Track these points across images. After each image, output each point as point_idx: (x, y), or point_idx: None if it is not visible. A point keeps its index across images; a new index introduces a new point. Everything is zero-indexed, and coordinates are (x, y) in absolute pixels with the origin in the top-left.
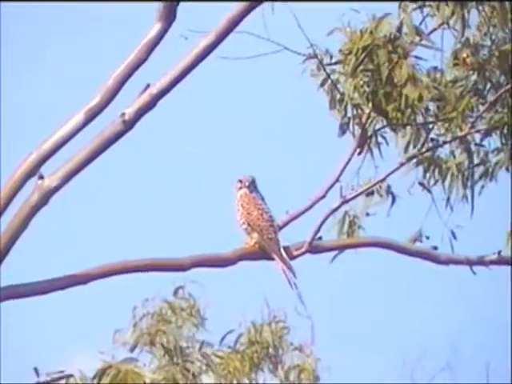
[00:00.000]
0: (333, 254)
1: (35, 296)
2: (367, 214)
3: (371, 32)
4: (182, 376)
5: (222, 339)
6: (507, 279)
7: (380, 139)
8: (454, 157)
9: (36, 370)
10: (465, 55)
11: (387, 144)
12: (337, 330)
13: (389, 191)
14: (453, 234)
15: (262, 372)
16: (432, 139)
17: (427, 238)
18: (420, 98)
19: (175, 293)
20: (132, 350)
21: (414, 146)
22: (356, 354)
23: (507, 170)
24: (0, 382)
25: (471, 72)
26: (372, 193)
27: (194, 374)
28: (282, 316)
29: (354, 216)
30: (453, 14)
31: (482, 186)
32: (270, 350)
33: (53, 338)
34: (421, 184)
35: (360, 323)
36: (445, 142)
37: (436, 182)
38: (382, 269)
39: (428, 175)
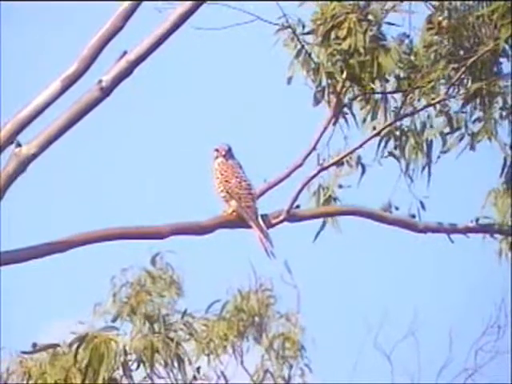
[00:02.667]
0: (309, 226)
1: (14, 264)
2: (340, 186)
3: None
4: (164, 344)
5: (209, 307)
6: (470, 243)
7: (354, 108)
8: (431, 126)
9: (35, 344)
10: (440, 18)
11: (356, 115)
12: (322, 299)
13: (359, 162)
14: (421, 204)
15: (247, 340)
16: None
17: (396, 208)
18: (389, 64)
19: (153, 261)
20: (114, 320)
21: (387, 116)
22: (339, 322)
23: (489, 139)
24: None
25: (445, 37)
26: (342, 163)
27: (177, 343)
28: (269, 285)
29: (326, 188)
30: None
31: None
32: (256, 318)
33: (31, 310)
34: (390, 154)
35: (342, 292)
36: (420, 109)
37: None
38: (356, 237)
39: (398, 144)
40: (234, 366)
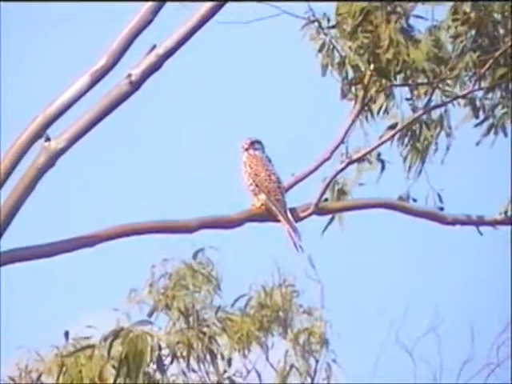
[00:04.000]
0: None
1: (43, 258)
2: (361, 184)
3: None
4: (198, 339)
5: (234, 303)
6: (491, 240)
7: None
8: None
9: (66, 333)
10: (468, 10)
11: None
12: (346, 293)
13: (379, 158)
14: (439, 196)
15: (272, 335)
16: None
17: (414, 200)
18: (417, 56)
19: (194, 256)
20: (150, 314)
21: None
22: (363, 317)
23: None
24: None
25: (471, 27)
26: (363, 159)
27: (210, 338)
28: (292, 279)
29: (342, 184)
30: None
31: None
32: (280, 313)
33: (69, 298)
34: (413, 146)
35: (365, 286)
36: (448, 101)
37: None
38: (379, 232)
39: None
40: (260, 361)
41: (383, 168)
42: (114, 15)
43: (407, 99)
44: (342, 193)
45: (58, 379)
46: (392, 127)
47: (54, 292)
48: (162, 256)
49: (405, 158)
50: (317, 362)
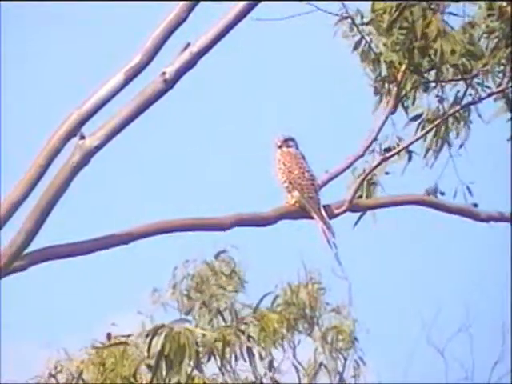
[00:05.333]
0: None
1: (78, 256)
2: (387, 173)
3: None
4: (236, 337)
5: (260, 301)
6: None
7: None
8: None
9: (109, 335)
10: (504, 4)
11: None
12: (374, 290)
13: (406, 149)
14: (468, 189)
15: (299, 333)
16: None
17: (442, 193)
18: (453, 52)
19: (217, 257)
20: (187, 313)
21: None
22: (392, 315)
23: None
24: None
25: (506, 23)
26: (389, 149)
27: (249, 336)
28: (319, 277)
29: (371, 174)
30: None
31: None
32: (307, 311)
33: (93, 300)
34: (444, 139)
35: (395, 284)
36: (484, 97)
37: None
38: (409, 229)
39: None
40: (286, 359)
41: (410, 159)
42: (148, 13)
43: (437, 96)
44: (371, 183)
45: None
46: (416, 118)
47: (77, 293)
48: (183, 256)
49: (428, 149)
50: (345, 360)
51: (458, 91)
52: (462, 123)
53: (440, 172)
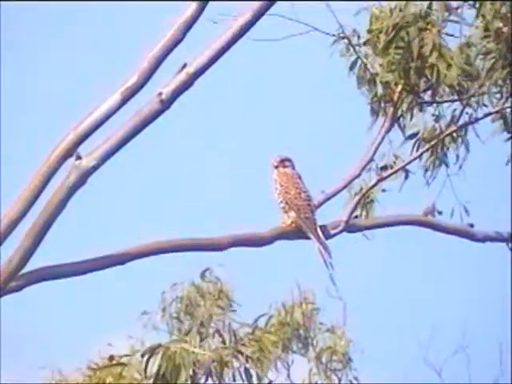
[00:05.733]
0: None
1: (75, 276)
2: (383, 191)
3: (400, 9)
4: (234, 358)
5: (255, 321)
6: None
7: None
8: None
9: (111, 357)
10: (500, 25)
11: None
12: (370, 310)
13: (403, 167)
14: (465, 209)
15: (293, 353)
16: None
17: (440, 213)
18: (449, 73)
19: (202, 276)
20: (187, 333)
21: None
22: (387, 335)
23: None
24: None
25: (502, 44)
26: (386, 168)
27: (247, 357)
28: (313, 297)
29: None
30: None
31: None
32: (301, 331)
33: (81, 324)
34: (440, 160)
35: (388, 303)
36: (480, 118)
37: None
38: (405, 249)
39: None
40: (280, 379)
41: (407, 177)
42: (145, 33)
43: (433, 115)
44: (368, 201)
45: None
46: (412, 137)
47: (70, 314)
48: (172, 278)
49: (427, 169)
50: (340, 380)
51: (455, 109)
52: (459, 143)
53: (438, 189)
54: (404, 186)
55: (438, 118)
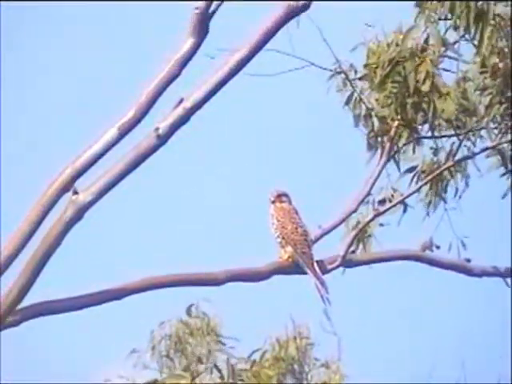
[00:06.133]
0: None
1: (72, 311)
2: (381, 225)
3: (397, 44)
4: None
5: (249, 357)
6: None
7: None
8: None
9: None
10: (496, 60)
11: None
12: (364, 345)
13: (402, 201)
14: (463, 243)
15: None
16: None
17: (437, 247)
18: (446, 108)
19: (188, 312)
20: (185, 369)
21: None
22: (383, 371)
23: None
24: None
25: (499, 79)
26: (384, 201)
27: None
28: (307, 331)
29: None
30: (471, 26)
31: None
32: (295, 366)
33: (70, 362)
34: (437, 194)
35: (384, 338)
36: (477, 153)
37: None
38: (402, 284)
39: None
40: None
41: (405, 211)
42: (141, 68)
43: (431, 148)
44: (365, 236)
45: None
46: (410, 170)
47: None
48: (159, 312)
49: (430, 202)
50: None
51: (454, 143)
52: (457, 177)
53: (436, 223)
54: (402, 219)
55: (436, 152)
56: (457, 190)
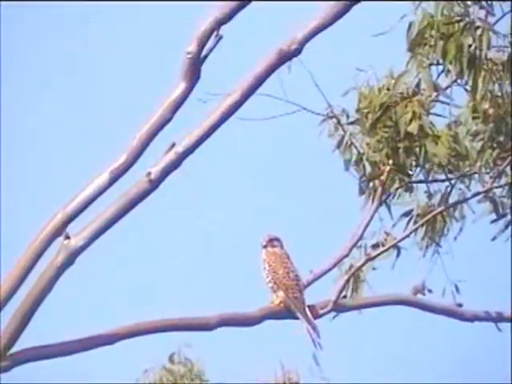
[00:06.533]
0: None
1: (63, 356)
2: (374, 269)
3: (388, 89)
4: None
5: None
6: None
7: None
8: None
9: None
10: (487, 106)
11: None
12: None
13: (395, 245)
14: (456, 287)
15: None
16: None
17: (430, 291)
18: (436, 148)
19: (170, 359)
20: None
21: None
22: None
23: None
24: None
25: (491, 125)
26: (377, 245)
27: None
28: (296, 377)
29: (359, 271)
30: (464, 71)
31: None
32: None
33: None
34: (431, 238)
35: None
36: (468, 198)
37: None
38: (391, 328)
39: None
40: None
41: (398, 254)
42: (133, 112)
43: (425, 192)
44: (358, 281)
45: None
46: (406, 214)
47: None
48: (142, 366)
49: (425, 248)
50: None
51: (448, 186)
52: (449, 223)
53: (428, 268)
54: (397, 263)
55: (431, 196)
56: (447, 233)
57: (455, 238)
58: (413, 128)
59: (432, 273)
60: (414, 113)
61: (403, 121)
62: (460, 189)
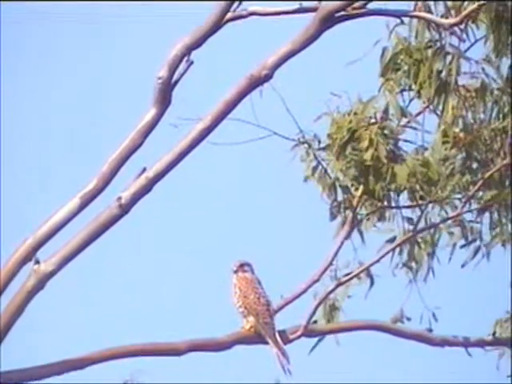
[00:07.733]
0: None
1: (32, 381)
2: (349, 296)
3: (356, 113)
4: None
5: None
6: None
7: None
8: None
9: None
10: (457, 131)
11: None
12: None
13: (368, 273)
14: (433, 315)
15: None
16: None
17: (408, 319)
18: (402, 174)
19: None
20: None
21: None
22: None
23: (503, 245)
24: None
25: (461, 150)
26: (350, 273)
27: None
28: None
29: (333, 299)
30: (434, 96)
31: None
32: None
33: None
34: (404, 265)
35: None
36: (437, 223)
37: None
38: (367, 353)
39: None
40: None
41: (372, 283)
42: (104, 137)
43: (403, 217)
44: (333, 308)
45: None
46: (391, 241)
47: None
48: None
49: (413, 271)
50: None
51: (422, 211)
52: (423, 249)
53: (406, 295)
54: (374, 291)
55: (411, 220)
56: (417, 261)
57: (428, 268)
58: (368, 156)
59: (412, 300)
60: (370, 140)
61: (371, 148)
62: (439, 214)
